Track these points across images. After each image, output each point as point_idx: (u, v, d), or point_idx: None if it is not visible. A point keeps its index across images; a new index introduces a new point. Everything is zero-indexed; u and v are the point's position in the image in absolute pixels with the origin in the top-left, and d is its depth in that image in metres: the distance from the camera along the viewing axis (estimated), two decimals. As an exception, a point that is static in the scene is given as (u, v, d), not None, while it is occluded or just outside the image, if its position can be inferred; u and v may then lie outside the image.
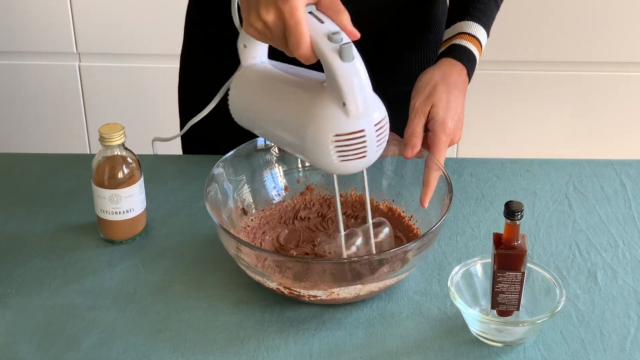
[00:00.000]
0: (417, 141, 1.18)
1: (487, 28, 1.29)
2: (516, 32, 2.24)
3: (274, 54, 1.11)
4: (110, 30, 2.29)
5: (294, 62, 1.07)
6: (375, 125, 1.01)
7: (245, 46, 1.11)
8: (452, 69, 1.24)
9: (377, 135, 1.01)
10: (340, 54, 0.97)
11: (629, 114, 2.35)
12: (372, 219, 1.12)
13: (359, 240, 1.12)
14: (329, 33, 0.98)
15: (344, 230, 1.11)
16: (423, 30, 1.39)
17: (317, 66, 1.02)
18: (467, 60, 1.25)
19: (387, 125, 1.03)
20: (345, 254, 1.10)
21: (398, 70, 1.39)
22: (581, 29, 2.24)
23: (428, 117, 1.20)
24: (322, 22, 0.99)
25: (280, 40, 1.00)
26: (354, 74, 0.98)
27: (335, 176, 1.10)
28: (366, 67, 1.33)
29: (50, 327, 1.09)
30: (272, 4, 0.97)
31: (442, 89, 1.21)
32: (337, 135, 0.99)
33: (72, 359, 1.04)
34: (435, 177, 1.17)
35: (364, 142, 1.00)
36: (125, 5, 2.26)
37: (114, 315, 1.10)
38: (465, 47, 1.26)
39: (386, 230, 1.14)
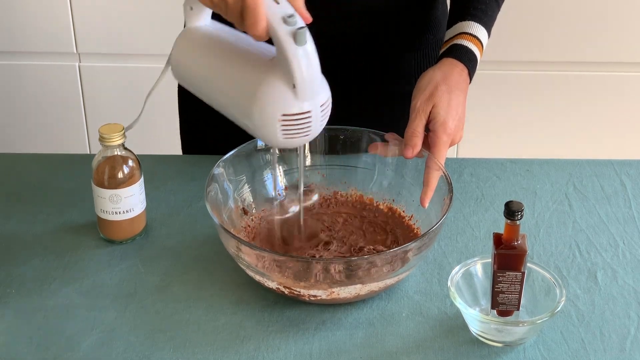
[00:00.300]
0: (418, 141, 1.18)
1: (488, 28, 1.29)
2: (516, 32, 2.24)
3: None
4: (110, 30, 2.29)
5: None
6: (321, 105, 1.04)
7: (191, 8, 1.13)
8: (453, 69, 1.24)
9: (322, 115, 1.05)
10: (295, 37, 0.99)
11: (629, 114, 2.35)
12: (305, 187, 1.19)
13: (292, 207, 1.19)
14: (284, 15, 0.99)
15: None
16: (423, 31, 1.39)
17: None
18: (468, 60, 1.25)
19: (330, 104, 1.06)
20: (276, 220, 1.19)
21: (398, 70, 1.39)
22: (581, 29, 2.24)
23: (429, 117, 1.20)
24: (277, 2, 1.00)
25: (236, 17, 1.01)
26: (306, 58, 1.00)
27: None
28: (366, 67, 1.33)
29: (50, 327, 1.09)
30: None
31: (444, 89, 1.21)
32: (284, 115, 1.02)
33: (72, 359, 1.04)
34: (435, 177, 1.17)
35: (309, 122, 1.03)
36: (125, 5, 2.26)
37: (114, 315, 1.10)
38: (466, 47, 1.26)
39: (315, 197, 1.21)
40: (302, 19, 1.00)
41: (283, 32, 0.99)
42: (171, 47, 1.16)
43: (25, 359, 1.04)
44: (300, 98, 1.01)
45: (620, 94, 2.32)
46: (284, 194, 1.27)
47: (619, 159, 1.41)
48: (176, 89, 1.50)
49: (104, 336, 1.07)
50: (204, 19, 1.14)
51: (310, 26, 1.01)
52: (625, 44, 2.26)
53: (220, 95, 1.10)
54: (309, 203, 1.23)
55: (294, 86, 1.01)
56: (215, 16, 1.14)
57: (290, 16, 0.99)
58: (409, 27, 1.38)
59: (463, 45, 1.26)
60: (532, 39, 2.26)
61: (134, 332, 1.08)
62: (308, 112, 1.03)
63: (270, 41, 1.03)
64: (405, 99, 1.24)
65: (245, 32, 1.01)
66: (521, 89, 2.32)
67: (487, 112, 2.34)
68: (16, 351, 1.05)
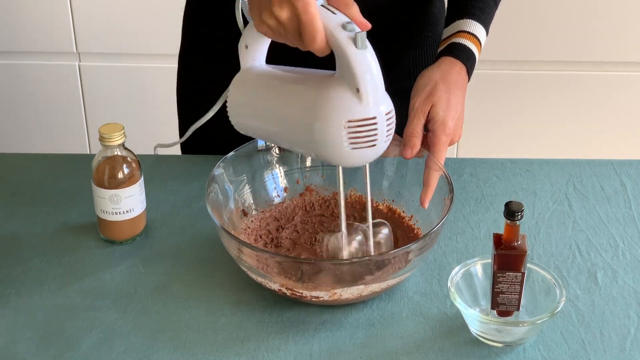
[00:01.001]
0: (417, 141, 1.18)
1: (486, 26, 1.29)
2: (516, 32, 2.24)
3: (274, 56, 1.11)
4: (110, 30, 2.29)
5: (293, 62, 1.07)
6: (386, 114, 1.02)
7: (247, 47, 1.11)
8: (451, 68, 1.24)
9: (387, 125, 1.02)
10: (355, 41, 0.99)
11: (629, 114, 2.35)
12: (373, 220, 1.13)
13: (358, 239, 1.12)
14: (342, 23, 1.00)
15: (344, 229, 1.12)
16: (421, 28, 1.39)
17: (318, 64, 1.03)
18: (467, 58, 1.25)
19: (394, 118, 1.04)
20: (345, 251, 1.10)
21: (396, 68, 1.39)
22: (581, 29, 2.24)
23: (428, 116, 1.20)
24: (334, 13, 1.01)
25: (295, 36, 1.01)
26: (368, 61, 1.00)
27: (340, 171, 1.10)
28: None
29: (50, 327, 1.09)
30: (286, 1, 0.98)
31: (442, 88, 1.20)
32: (350, 121, 1.00)
33: (72, 359, 1.04)
34: (435, 177, 1.17)
35: (376, 129, 1.01)
36: (125, 5, 2.26)
37: (114, 315, 1.10)
38: (465, 45, 1.25)
39: (385, 231, 1.14)
40: (360, 26, 1.00)
41: (343, 38, 0.99)
42: (171, 52, 1.15)
43: (25, 359, 1.04)
44: (365, 103, 1.00)
45: (620, 94, 2.32)
46: (284, 195, 1.26)
47: (619, 159, 1.41)
48: (176, 89, 1.50)
49: (104, 336, 1.07)
50: (259, 59, 1.13)
51: None
52: (625, 44, 2.26)
53: (281, 126, 1.08)
54: (379, 238, 1.14)
55: (357, 91, 0.99)
56: (271, 61, 1.13)
57: (348, 23, 1.00)
58: (407, 24, 1.38)
59: (461, 43, 1.26)
60: (532, 39, 2.26)
61: (134, 332, 1.08)
62: (374, 118, 1.00)
63: (330, 67, 1.02)
64: (403, 96, 1.24)
65: (307, 50, 1.01)
66: (521, 89, 2.32)
67: (487, 112, 2.34)
68: (16, 351, 1.05)
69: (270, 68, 1.13)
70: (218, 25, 1.34)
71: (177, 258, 1.20)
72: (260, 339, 1.07)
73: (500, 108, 2.35)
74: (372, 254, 1.12)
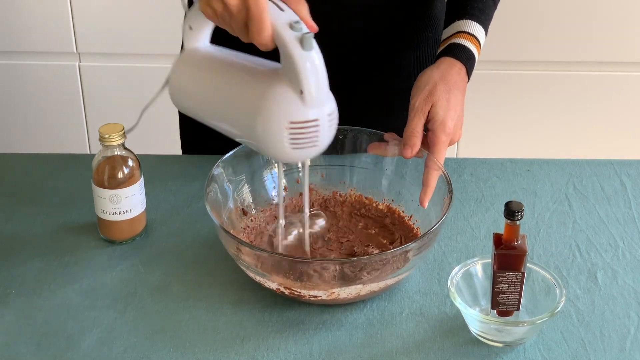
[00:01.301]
0: (417, 141, 1.18)
1: (486, 27, 1.29)
2: (516, 32, 2.24)
3: (218, 38, 1.11)
4: (110, 30, 2.29)
5: (237, 47, 1.07)
6: (329, 115, 1.02)
7: (191, 28, 1.11)
8: (451, 68, 1.24)
9: (329, 125, 1.03)
10: (302, 42, 0.98)
11: (629, 114, 2.35)
12: (311, 210, 1.16)
13: (295, 231, 1.16)
14: (290, 22, 0.99)
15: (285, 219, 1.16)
16: (421, 28, 1.39)
17: (262, 54, 1.03)
18: (466, 59, 1.25)
19: (337, 117, 1.05)
20: (280, 244, 1.14)
21: (396, 68, 1.39)
22: (581, 29, 2.24)
23: (428, 116, 1.20)
24: (282, 10, 1.00)
25: (240, 26, 1.00)
26: (314, 63, 0.99)
27: (280, 164, 1.14)
28: (365, 64, 1.32)
29: (50, 327, 1.09)
30: None
31: (442, 88, 1.21)
32: (292, 123, 1.00)
33: (72, 359, 1.04)
34: (435, 177, 1.17)
35: (317, 131, 1.01)
36: (125, 5, 2.26)
37: (114, 315, 1.10)
38: (464, 46, 1.26)
39: (321, 221, 1.17)
40: (308, 28, 1.00)
41: (290, 38, 0.98)
42: (171, 52, 1.15)
43: (25, 359, 1.04)
44: (308, 105, 1.00)
45: (620, 94, 2.32)
46: (284, 195, 1.26)
47: (619, 159, 1.41)
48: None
49: (104, 336, 1.07)
50: (203, 40, 1.12)
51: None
52: (625, 44, 2.26)
53: (222, 113, 1.09)
54: (315, 229, 1.19)
55: (301, 92, 0.99)
56: (214, 40, 1.13)
57: (297, 22, 0.99)
58: (407, 25, 1.38)
59: (461, 44, 1.26)
60: (532, 39, 2.26)
61: (134, 332, 1.08)
62: (316, 120, 1.01)
63: (273, 56, 1.02)
64: (404, 96, 1.24)
65: (249, 42, 1.00)
66: (521, 89, 2.32)
67: (487, 112, 2.34)
68: (16, 351, 1.05)
69: (215, 51, 1.12)
70: (219, 40, 1.34)
71: (177, 258, 1.20)
72: (260, 339, 1.07)
73: (500, 108, 2.35)
74: (307, 244, 1.15)
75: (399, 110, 1.22)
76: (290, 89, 1.00)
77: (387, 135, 1.24)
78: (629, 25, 2.24)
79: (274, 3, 1.00)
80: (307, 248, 1.16)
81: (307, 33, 0.98)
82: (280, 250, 1.16)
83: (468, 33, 1.26)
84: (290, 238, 1.15)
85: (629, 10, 2.22)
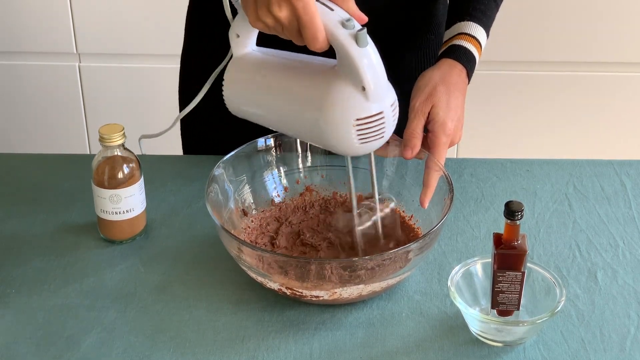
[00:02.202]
0: (417, 142, 1.18)
1: (487, 28, 1.29)
2: (516, 32, 2.24)
3: (264, 39, 1.11)
4: (110, 30, 2.29)
5: (285, 46, 1.07)
6: (391, 105, 1.04)
7: (238, 36, 1.12)
8: (452, 69, 1.24)
9: (393, 115, 1.05)
10: (356, 39, 0.99)
11: (629, 114, 2.35)
12: (379, 195, 1.17)
13: (370, 218, 1.15)
14: (342, 20, 1.00)
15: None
16: (424, 30, 1.39)
17: (312, 51, 1.03)
18: (467, 61, 1.25)
19: (397, 105, 1.06)
20: (358, 230, 1.14)
21: (398, 70, 1.39)
22: (581, 29, 2.24)
23: (428, 117, 1.20)
24: (331, 9, 1.00)
25: (294, 35, 1.01)
26: (370, 59, 1.01)
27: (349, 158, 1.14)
28: None
29: (50, 327, 1.09)
30: (285, 1, 0.98)
31: (442, 89, 1.21)
32: (358, 120, 1.02)
33: (72, 359, 1.04)
34: (435, 178, 1.17)
35: (383, 123, 1.03)
36: (125, 5, 2.26)
37: (114, 315, 1.10)
38: (465, 47, 1.26)
39: (392, 205, 1.17)
40: (358, 21, 1.00)
41: (344, 36, 0.99)
42: (171, 53, 1.15)
43: (25, 359, 1.04)
44: (371, 100, 1.01)
45: (620, 94, 2.32)
46: (284, 195, 1.26)
47: (619, 159, 1.41)
48: (176, 89, 1.50)
49: (104, 336, 1.07)
50: (250, 45, 1.13)
51: None
52: (625, 44, 2.26)
53: (284, 115, 1.09)
54: (386, 212, 1.18)
55: (362, 89, 1.01)
56: (260, 42, 1.13)
57: (348, 20, 1.00)
58: (410, 26, 1.38)
59: (462, 45, 1.26)
60: (532, 39, 2.26)
61: (134, 332, 1.08)
62: (381, 112, 1.02)
63: (327, 54, 1.03)
64: (405, 99, 1.24)
65: (305, 46, 1.01)
66: (521, 89, 2.32)
67: (487, 112, 2.35)
68: (16, 351, 1.05)
69: (266, 54, 1.13)
70: (221, 26, 1.34)
71: (177, 258, 1.20)
72: (260, 339, 1.07)
73: (500, 108, 2.35)
74: (380, 228, 1.15)
75: (401, 111, 1.22)
76: (352, 86, 1.01)
77: None
78: (629, 25, 2.24)
79: (322, 3, 1.00)
80: (380, 232, 1.16)
81: (361, 29, 0.99)
82: (357, 237, 1.16)
83: (469, 35, 1.26)
84: (368, 224, 1.15)
85: (630, 11, 2.22)
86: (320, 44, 0.99)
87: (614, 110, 2.34)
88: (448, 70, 1.24)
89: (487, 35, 1.30)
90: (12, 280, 1.16)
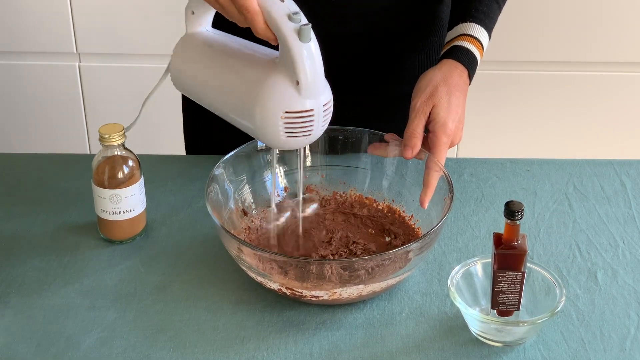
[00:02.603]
0: (417, 142, 1.18)
1: (489, 30, 1.29)
2: (516, 32, 2.24)
3: (221, 22, 1.13)
4: (110, 30, 2.29)
5: (240, 32, 1.08)
6: (324, 105, 1.05)
7: (193, 13, 1.13)
8: (453, 70, 1.24)
9: (324, 116, 1.05)
10: (299, 34, 1.00)
11: (629, 114, 2.35)
12: (303, 195, 1.20)
13: (286, 215, 1.19)
14: (289, 13, 1.00)
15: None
16: (427, 32, 1.39)
17: (263, 41, 1.04)
18: (469, 62, 1.25)
19: (332, 107, 1.07)
20: (273, 226, 1.17)
21: (401, 72, 1.39)
22: (581, 29, 2.24)
23: (429, 118, 1.20)
24: (282, 1, 1.01)
25: (235, 16, 1.02)
26: (310, 55, 1.01)
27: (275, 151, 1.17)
28: (370, 68, 1.32)
29: (50, 327, 1.09)
30: None
31: (444, 90, 1.21)
32: (287, 112, 1.03)
33: (72, 359, 1.04)
34: (435, 178, 1.17)
35: (312, 120, 1.04)
36: (125, 5, 2.26)
37: (114, 315, 1.10)
38: (467, 48, 1.26)
39: (314, 206, 1.19)
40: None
41: (287, 28, 0.99)
42: (171, 52, 1.16)
43: (25, 359, 1.04)
44: (304, 95, 1.02)
45: (620, 94, 2.32)
46: (284, 195, 1.27)
47: (619, 159, 1.41)
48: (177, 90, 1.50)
49: (104, 336, 1.07)
50: (205, 24, 1.14)
51: (315, 27, 1.01)
52: (625, 44, 2.26)
53: (221, 98, 1.10)
54: (307, 212, 1.22)
55: (297, 83, 1.01)
56: (216, 24, 1.14)
57: (295, 13, 1.00)
58: (413, 29, 1.37)
59: (464, 46, 1.26)
60: (532, 39, 2.26)
61: (134, 332, 1.08)
62: (311, 110, 1.03)
63: (275, 47, 1.03)
64: (407, 100, 1.24)
65: (249, 29, 1.02)
66: (521, 89, 2.32)
67: (487, 112, 2.34)
68: (16, 351, 1.05)
69: (216, 35, 1.14)
70: (221, 24, 1.34)
71: (177, 258, 1.20)
72: (260, 339, 1.07)
73: (500, 108, 2.35)
74: (300, 227, 1.17)
75: (402, 113, 1.22)
76: (287, 79, 1.02)
77: (387, 136, 1.24)
78: (629, 25, 2.24)
79: None
80: (300, 232, 1.18)
81: (305, 25, 1.00)
82: (271, 233, 1.18)
83: (471, 36, 1.26)
84: (282, 219, 1.18)
85: (629, 10, 2.22)
86: (259, 30, 1.00)
87: (614, 110, 2.34)
88: (449, 71, 1.24)
89: (489, 37, 1.30)
90: (12, 280, 1.16)
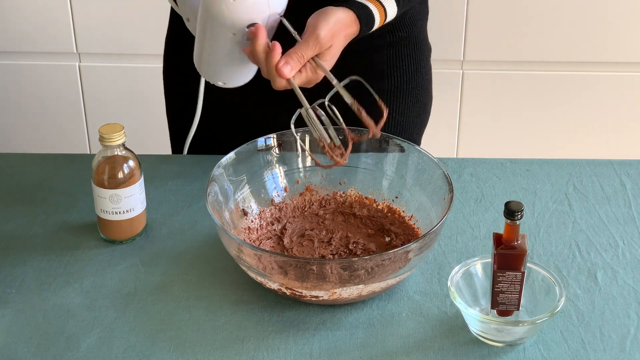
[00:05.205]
0: (296, 63, 1.12)
1: (400, 3, 1.24)
2: (516, 32, 2.24)
3: None
4: (110, 30, 2.29)
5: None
6: None
7: None
8: (352, 24, 1.18)
9: None
10: None
11: (629, 114, 2.35)
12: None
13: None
14: None
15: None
16: (396, 29, 1.38)
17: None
18: (366, 24, 1.20)
19: None
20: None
21: (369, 68, 1.38)
22: (581, 29, 2.24)
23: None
24: None
25: None
26: None
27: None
28: (338, 63, 1.27)
29: (50, 327, 1.09)
30: None
31: (342, 38, 1.16)
32: None
33: (72, 359, 1.04)
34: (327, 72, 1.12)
35: None
36: (125, 5, 2.26)
37: (114, 315, 1.10)
38: (372, 12, 1.20)
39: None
40: None
41: None
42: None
43: (25, 359, 1.04)
44: None
45: (620, 94, 2.32)
46: (284, 195, 1.26)
47: (619, 159, 1.41)
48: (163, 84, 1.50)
49: (104, 336, 1.07)
50: None
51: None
52: (625, 44, 2.26)
53: None
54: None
55: None
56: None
57: None
58: (381, 26, 1.36)
59: (369, 8, 1.20)
60: (532, 39, 2.25)
61: (134, 332, 1.08)
62: None
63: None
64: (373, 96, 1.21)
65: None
66: (521, 89, 2.32)
67: (487, 112, 2.34)
68: (16, 351, 1.05)
69: None
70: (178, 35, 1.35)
71: (177, 258, 1.20)
72: (260, 339, 1.07)
73: (500, 108, 2.35)
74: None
75: (370, 107, 1.20)
76: None
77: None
78: (629, 25, 2.24)
79: None
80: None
81: None
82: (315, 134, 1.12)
83: (379, 2, 1.23)
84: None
85: (629, 10, 2.22)
86: None
87: (614, 110, 2.34)
88: (351, 23, 1.18)
89: (398, 9, 1.24)
90: (12, 280, 1.16)
